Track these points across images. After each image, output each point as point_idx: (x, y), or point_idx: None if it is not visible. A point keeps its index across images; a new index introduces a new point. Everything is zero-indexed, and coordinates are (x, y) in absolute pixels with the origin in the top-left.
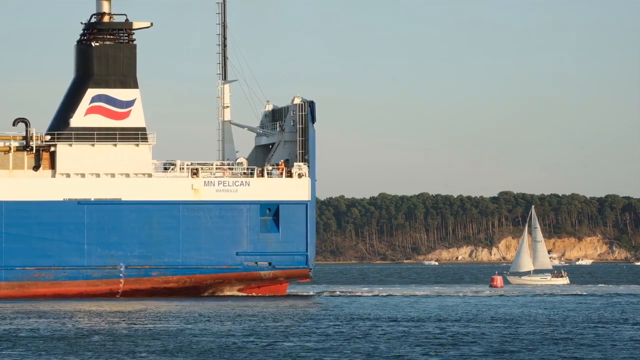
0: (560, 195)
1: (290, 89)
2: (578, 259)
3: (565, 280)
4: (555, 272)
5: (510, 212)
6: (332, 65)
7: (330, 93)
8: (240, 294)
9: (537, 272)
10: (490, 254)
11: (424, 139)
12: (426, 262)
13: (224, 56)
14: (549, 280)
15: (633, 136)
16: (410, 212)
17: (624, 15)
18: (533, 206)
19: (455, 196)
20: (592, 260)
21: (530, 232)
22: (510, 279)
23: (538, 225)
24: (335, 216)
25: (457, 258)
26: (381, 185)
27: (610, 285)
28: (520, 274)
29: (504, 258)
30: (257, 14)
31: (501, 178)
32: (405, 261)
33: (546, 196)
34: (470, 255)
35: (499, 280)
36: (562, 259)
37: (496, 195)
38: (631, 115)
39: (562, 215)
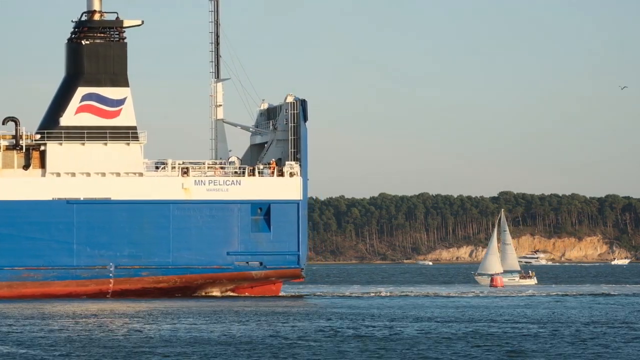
0: (560, 195)
1: (291, 88)
2: (614, 259)
3: (532, 281)
4: (523, 272)
5: (510, 212)
6: (332, 63)
7: (331, 92)
8: (221, 295)
9: (505, 272)
10: None
11: (424, 139)
12: (420, 262)
13: (217, 54)
14: (517, 281)
15: (633, 136)
16: (410, 212)
17: (624, 16)
18: (502, 210)
19: (455, 196)
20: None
21: (499, 235)
22: (478, 279)
23: (507, 228)
24: (335, 216)
25: (457, 258)
26: (381, 185)
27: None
28: (489, 275)
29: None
30: (250, 11)
31: (501, 178)
32: (405, 261)
33: (546, 196)
34: (470, 255)
35: (499, 280)
36: (563, 258)
37: (496, 195)
38: (631, 115)
39: (562, 215)
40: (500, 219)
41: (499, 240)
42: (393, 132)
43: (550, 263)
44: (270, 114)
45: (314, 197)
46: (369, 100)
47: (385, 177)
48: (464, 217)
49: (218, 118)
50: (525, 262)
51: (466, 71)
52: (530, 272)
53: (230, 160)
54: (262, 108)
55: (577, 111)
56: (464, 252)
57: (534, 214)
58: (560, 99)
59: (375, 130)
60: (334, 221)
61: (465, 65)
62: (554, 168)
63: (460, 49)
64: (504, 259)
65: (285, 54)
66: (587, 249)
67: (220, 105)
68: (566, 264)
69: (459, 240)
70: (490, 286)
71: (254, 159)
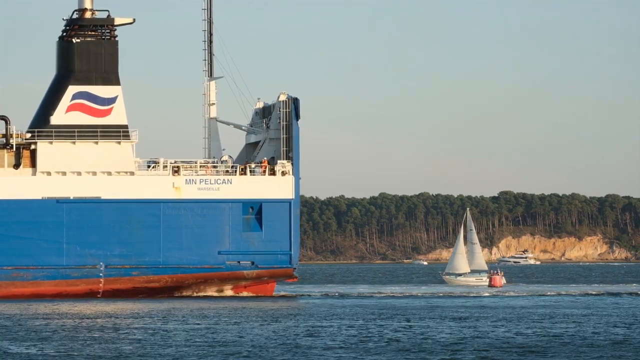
0: (561, 195)
1: (290, 87)
2: None
3: (501, 281)
4: (492, 272)
5: (510, 212)
6: (332, 62)
7: (330, 91)
8: (216, 294)
9: (473, 272)
10: (491, 253)
11: (424, 138)
12: (416, 262)
13: (210, 52)
14: (485, 280)
15: (633, 136)
16: (411, 211)
17: (626, 17)
18: (468, 209)
19: (455, 196)
20: None
21: (466, 234)
22: (446, 279)
23: (473, 228)
24: (336, 216)
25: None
26: (381, 185)
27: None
28: (457, 275)
29: (504, 257)
30: (244, 9)
31: (501, 178)
32: (405, 261)
33: (546, 196)
34: None
35: (498, 279)
36: (563, 258)
37: (496, 195)
38: (632, 115)
39: (562, 215)
40: (466, 219)
41: (465, 239)
42: (394, 132)
43: (538, 263)
44: (265, 113)
45: (314, 197)
46: (369, 99)
47: (385, 177)
48: (464, 217)
49: (211, 117)
50: (514, 262)
51: (466, 70)
52: (499, 271)
53: (222, 159)
54: (257, 107)
55: (577, 111)
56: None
57: (534, 214)
58: (561, 99)
59: (375, 130)
60: (334, 221)
61: (465, 65)
62: (554, 168)
63: (460, 48)
64: (471, 259)
65: (282, 53)
66: (587, 249)
67: (214, 104)
68: (567, 264)
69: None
70: (489, 286)
71: (249, 157)
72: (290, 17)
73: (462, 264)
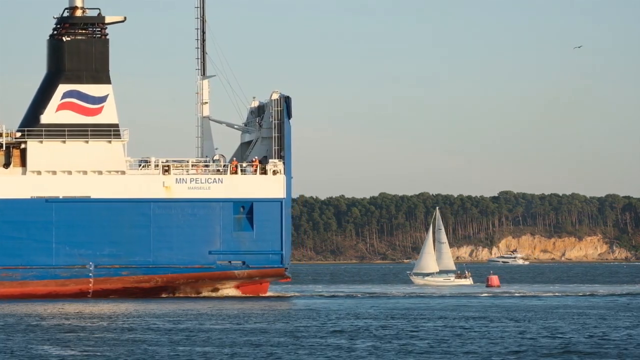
0: (561, 195)
1: (289, 86)
2: None
3: (468, 281)
4: (459, 272)
5: (510, 211)
6: (330, 62)
7: (330, 91)
8: (207, 294)
9: (441, 272)
10: (491, 253)
11: (424, 138)
12: (413, 262)
13: (203, 51)
14: (453, 281)
15: (633, 136)
16: (411, 211)
17: (625, 15)
18: (437, 207)
19: (455, 196)
20: None
21: (434, 234)
22: (413, 279)
23: (442, 227)
24: (336, 216)
25: (457, 258)
26: (381, 185)
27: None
28: (424, 275)
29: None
30: (237, 7)
31: (501, 178)
32: (405, 261)
33: (546, 196)
34: (470, 254)
35: (495, 279)
36: (563, 258)
37: (496, 195)
38: (632, 115)
39: (562, 215)
40: (434, 218)
41: (434, 239)
42: (394, 132)
43: (527, 263)
44: (260, 112)
45: (314, 197)
46: (369, 99)
47: (385, 177)
48: (464, 217)
49: (204, 115)
50: (503, 262)
51: (466, 70)
52: (466, 271)
53: (215, 158)
54: (252, 106)
55: (577, 111)
56: (464, 252)
57: (534, 214)
58: (561, 99)
59: (376, 129)
60: (334, 221)
61: (465, 64)
62: (554, 168)
63: (460, 47)
64: (439, 259)
65: (281, 52)
66: (587, 249)
67: (206, 103)
68: (568, 263)
69: (459, 240)
70: (487, 286)
71: (244, 157)
72: (289, 16)
73: (430, 264)
